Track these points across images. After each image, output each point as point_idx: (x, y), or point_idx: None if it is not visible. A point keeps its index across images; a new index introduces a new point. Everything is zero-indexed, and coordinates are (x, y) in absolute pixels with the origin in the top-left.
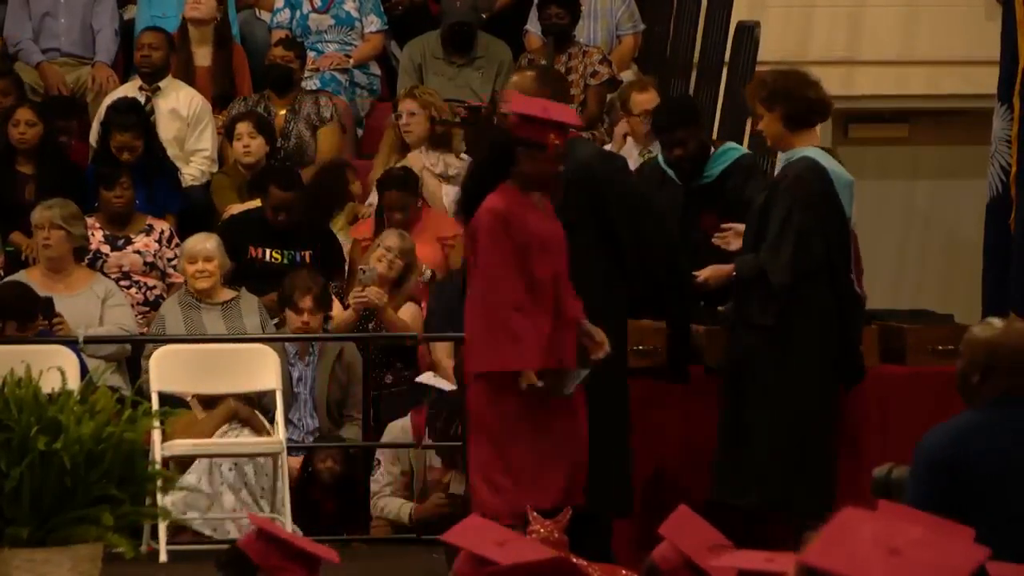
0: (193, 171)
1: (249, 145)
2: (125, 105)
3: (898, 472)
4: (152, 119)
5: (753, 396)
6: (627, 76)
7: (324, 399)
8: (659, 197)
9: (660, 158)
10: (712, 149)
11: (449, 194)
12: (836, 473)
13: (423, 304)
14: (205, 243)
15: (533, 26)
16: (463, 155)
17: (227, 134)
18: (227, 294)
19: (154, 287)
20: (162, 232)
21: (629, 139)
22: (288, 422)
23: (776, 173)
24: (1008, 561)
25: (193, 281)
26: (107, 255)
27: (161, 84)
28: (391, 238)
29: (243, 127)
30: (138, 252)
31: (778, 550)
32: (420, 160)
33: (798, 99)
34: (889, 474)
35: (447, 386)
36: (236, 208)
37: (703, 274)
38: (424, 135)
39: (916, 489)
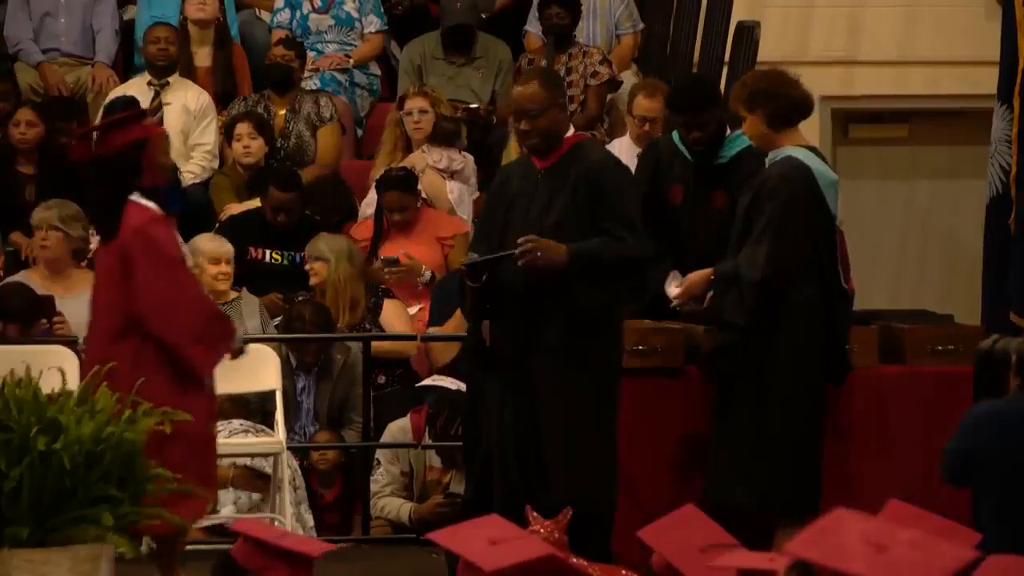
0: (193, 168)
1: (249, 146)
2: (120, 104)
3: (1002, 343)
4: (160, 114)
5: (739, 395)
6: (627, 76)
7: (325, 408)
8: (672, 172)
9: (675, 135)
10: (727, 131)
11: (454, 191)
12: (820, 472)
13: (422, 305)
14: (222, 245)
15: (532, 27)
16: (465, 152)
17: (226, 134)
18: (229, 295)
19: None
20: None
21: (627, 139)
22: (290, 431)
23: (761, 175)
24: (1016, 538)
25: (213, 283)
26: None
27: (170, 79)
28: (316, 246)
29: (243, 128)
30: None
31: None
32: (423, 158)
33: (779, 98)
34: (993, 345)
35: (452, 384)
36: (234, 208)
37: (682, 287)
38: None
39: (951, 447)
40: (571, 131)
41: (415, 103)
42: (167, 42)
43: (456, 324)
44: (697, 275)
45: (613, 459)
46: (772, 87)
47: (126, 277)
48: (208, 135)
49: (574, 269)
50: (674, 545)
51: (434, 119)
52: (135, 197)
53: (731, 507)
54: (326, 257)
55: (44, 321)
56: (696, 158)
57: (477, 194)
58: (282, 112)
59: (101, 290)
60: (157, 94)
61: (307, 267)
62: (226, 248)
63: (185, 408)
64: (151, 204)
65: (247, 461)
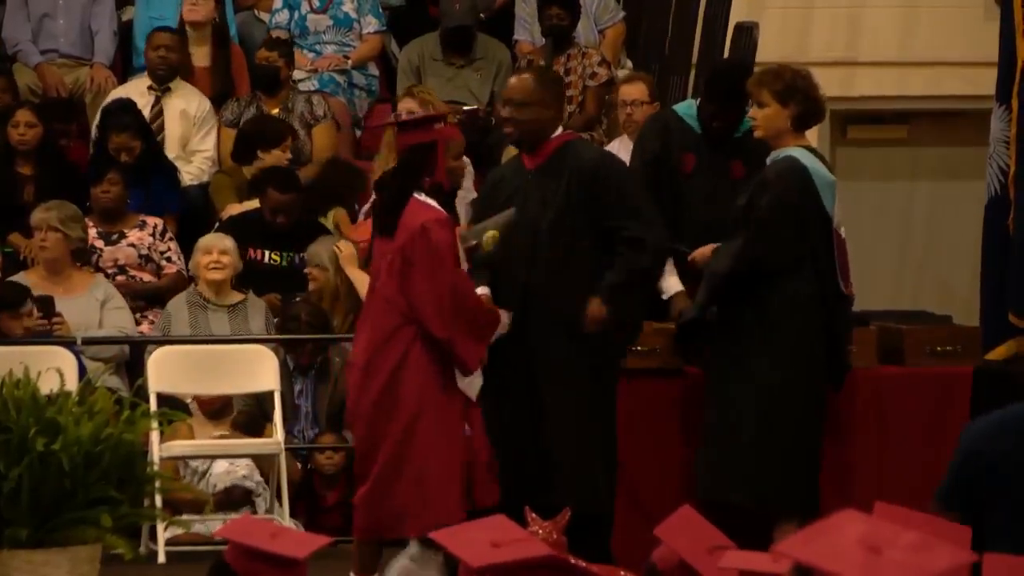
0: (192, 170)
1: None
2: (119, 106)
3: None
4: (160, 120)
5: (737, 393)
6: (623, 74)
7: (325, 410)
8: (682, 143)
9: (682, 108)
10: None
11: None
12: (819, 471)
13: None
14: (223, 240)
15: (521, 35)
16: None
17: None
18: (235, 296)
19: (149, 282)
20: (155, 226)
21: (626, 138)
22: (288, 434)
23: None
24: None
25: (206, 272)
26: (101, 250)
27: (171, 84)
28: (316, 252)
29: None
30: (132, 245)
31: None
32: None
33: (812, 100)
34: None
35: None
36: (235, 209)
37: (695, 254)
38: None
39: (949, 473)
40: (559, 131)
41: (403, 105)
42: (168, 50)
43: None
44: (704, 250)
45: (613, 459)
46: (808, 87)
47: (405, 274)
48: (208, 142)
49: (614, 308)
50: (688, 545)
51: None
52: (419, 196)
53: (729, 505)
54: (324, 265)
55: (44, 321)
56: (712, 137)
57: (474, 196)
58: (275, 112)
59: (383, 284)
60: (158, 99)
61: (306, 271)
62: (218, 243)
63: (443, 407)
64: (433, 203)
65: (227, 484)
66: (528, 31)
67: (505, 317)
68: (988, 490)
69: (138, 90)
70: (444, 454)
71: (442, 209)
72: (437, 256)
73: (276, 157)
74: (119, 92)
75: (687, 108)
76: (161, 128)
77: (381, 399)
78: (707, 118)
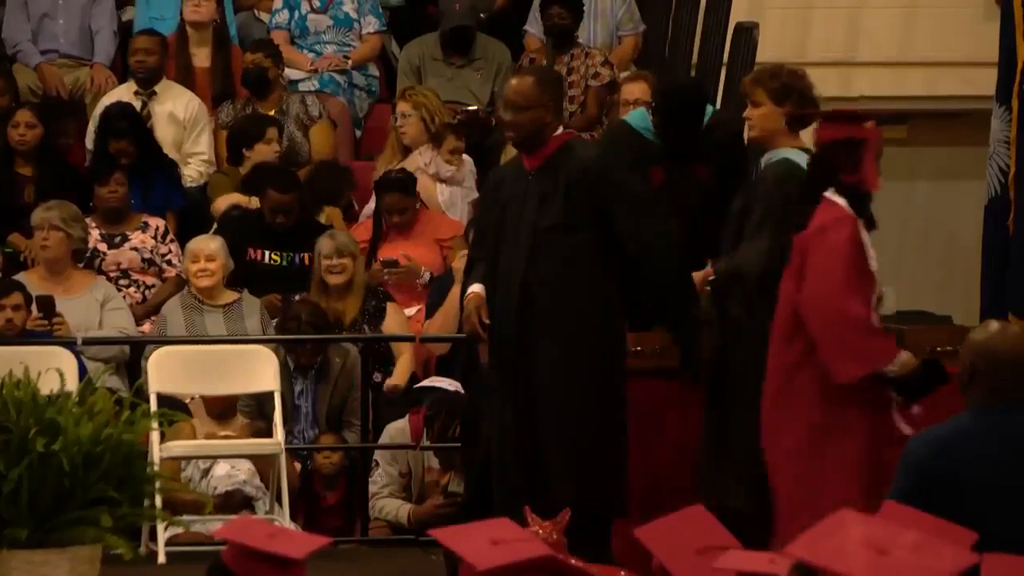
0: (191, 172)
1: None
2: (118, 111)
3: None
4: (149, 124)
5: (734, 396)
6: (625, 74)
7: (325, 411)
8: (632, 152)
9: (635, 118)
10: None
11: (444, 193)
12: None
13: (420, 306)
14: (209, 243)
15: (532, 27)
16: (465, 155)
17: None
18: (229, 296)
19: (152, 286)
20: (157, 228)
21: None
22: (288, 433)
23: (756, 175)
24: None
25: (195, 280)
26: (104, 253)
27: (156, 88)
28: (340, 240)
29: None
30: (135, 249)
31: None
32: (416, 161)
33: (807, 101)
34: None
35: (450, 386)
36: (225, 200)
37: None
38: (419, 136)
39: (898, 488)
40: (560, 131)
41: (398, 107)
42: (146, 53)
43: (442, 321)
44: (695, 276)
45: (619, 459)
46: (804, 88)
47: (801, 274)
48: (201, 144)
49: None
50: (670, 546)
51: (418, 122)
52: (829, 194)
53: (730, 508)
54: (355, 252)
55: (44, 321)
56: (670, 148)
57: (476, 195)
58: (271, 114)
59: (785, 281)
60: (144, 104)
61: (336, 262)
62: (205, 246)
63: (836, 425)
64: (843, 202)
65: (228, 488)
66: (539, 26)
67: (903, 356)
68: (954, 499)
69: (127, 94)
70: (841, 482)
71: (849, 209)
72: (831, 257)
73: (261, 152)
74: (109, 97)
75: (642, 120)
76: (151, 132)
77: (776, 400)
78: (669, 137)
